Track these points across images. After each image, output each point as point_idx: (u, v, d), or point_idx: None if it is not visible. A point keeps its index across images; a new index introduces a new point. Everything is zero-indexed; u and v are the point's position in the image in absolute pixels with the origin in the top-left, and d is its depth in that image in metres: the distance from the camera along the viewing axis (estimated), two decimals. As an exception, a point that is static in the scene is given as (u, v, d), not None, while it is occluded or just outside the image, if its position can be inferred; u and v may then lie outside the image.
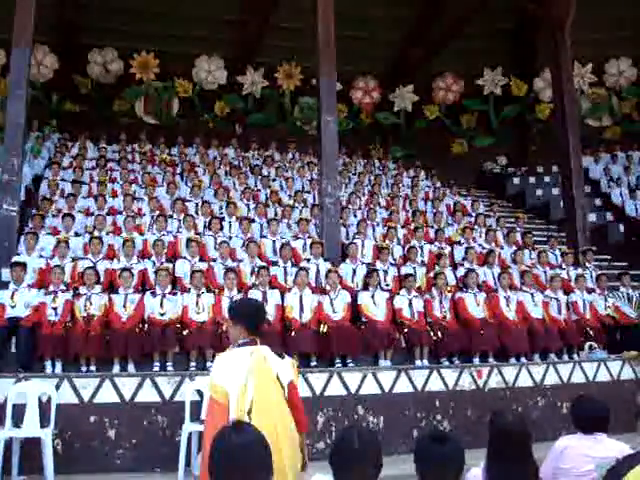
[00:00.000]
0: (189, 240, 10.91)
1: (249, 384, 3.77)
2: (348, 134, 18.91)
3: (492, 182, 20.06)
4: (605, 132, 21.41)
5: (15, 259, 9.72)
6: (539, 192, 18.45)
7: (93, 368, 8.70)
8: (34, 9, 10.87)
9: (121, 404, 7.77)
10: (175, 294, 9.59)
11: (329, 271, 10.38)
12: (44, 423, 7.30)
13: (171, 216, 12.29)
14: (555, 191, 17.59)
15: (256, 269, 10.32)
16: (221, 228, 11.97)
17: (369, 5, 17.73)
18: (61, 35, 17.96)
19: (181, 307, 9.40)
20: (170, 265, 10.41)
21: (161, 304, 9.33)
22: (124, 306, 9.24)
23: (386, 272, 11.23)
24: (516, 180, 19.36)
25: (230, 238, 11.72)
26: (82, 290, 9.33)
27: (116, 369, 8.72)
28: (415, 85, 20.73)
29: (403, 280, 10.80)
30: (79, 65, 18.34)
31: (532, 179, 19.23)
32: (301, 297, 9.91)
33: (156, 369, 8.81)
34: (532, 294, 11.14)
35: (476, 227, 13.78)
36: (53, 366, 8.62)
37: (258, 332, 4.05)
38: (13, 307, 8.94)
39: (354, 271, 11.09)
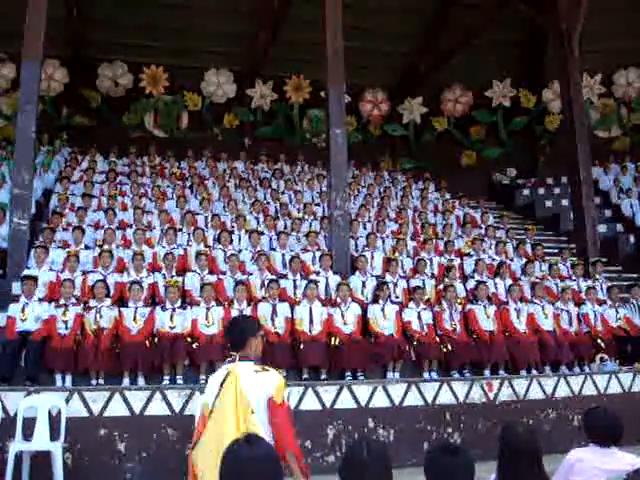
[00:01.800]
0: (199, 253, 10.93)
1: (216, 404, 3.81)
2: (357, 146, 18.89)
3: (501, 193, 20.01)
4: (614, 143, 21.35)
5: (25, 273, 9.74)
6: (549, 203, 18.39)
7: (102, 381, 8.72)
8: (44, 23, 10.96)
9: (131, 417, 7.77)
10: (185, 308, 9.61)
11: (340, 284, 10.37)
12: (54, 436, 7.31)
13: (181, 229, 12.30)
14: (565, 202, 17.51)
15: (266, 282, 10.33)
16: (231, 241, 11.97)
17: (377, 17, 17.73)
18: (71, 49, 18.08)
19: (191, 320, 9.41)
20: (180, 279, 10.41)
21: (171, 318, 9.34)
22: (134, 319, 9.26)
23: (395, 284, 11.20)
24: (525, 191, 19.31)
25: (240, 251, 11.71)
26: (92, 303, 9.35)
27: (126, 382, 8.74)
28: (424, 97, 20.73)
29: (412, 292, 10.78)
30: (89, 79, 18.40)
31: (542, 190, 19.14)
32: (311, 310, 9.90)
33: (166, 382, 8.83)
34: (543, 306, 11.09)
35: (486, 239, 13.73)
36: (63, 379, 8.66)
37: (237, 349, 3.98)
38: (24, 321, 8.96)
39: (363, 284, 11.07)
